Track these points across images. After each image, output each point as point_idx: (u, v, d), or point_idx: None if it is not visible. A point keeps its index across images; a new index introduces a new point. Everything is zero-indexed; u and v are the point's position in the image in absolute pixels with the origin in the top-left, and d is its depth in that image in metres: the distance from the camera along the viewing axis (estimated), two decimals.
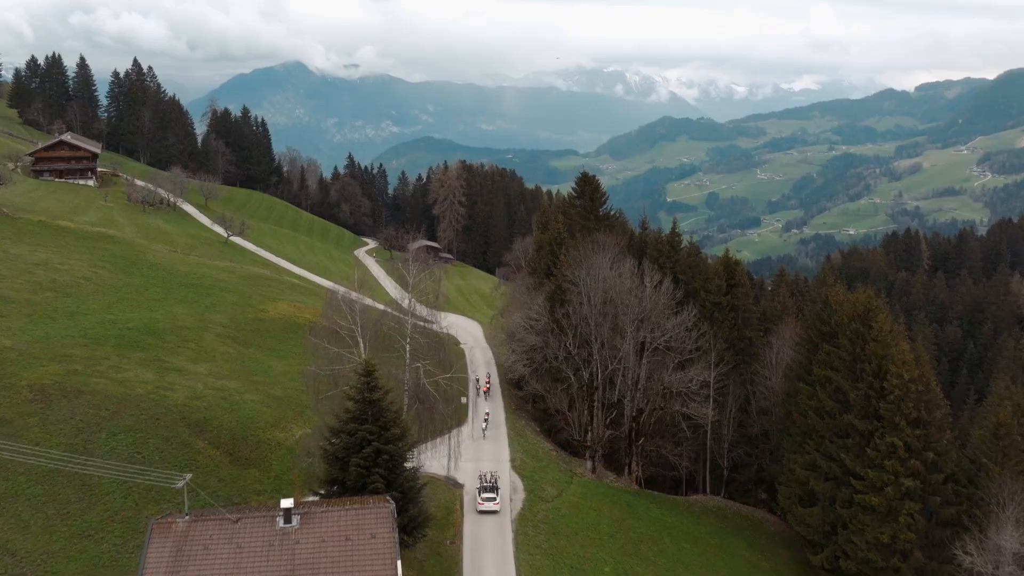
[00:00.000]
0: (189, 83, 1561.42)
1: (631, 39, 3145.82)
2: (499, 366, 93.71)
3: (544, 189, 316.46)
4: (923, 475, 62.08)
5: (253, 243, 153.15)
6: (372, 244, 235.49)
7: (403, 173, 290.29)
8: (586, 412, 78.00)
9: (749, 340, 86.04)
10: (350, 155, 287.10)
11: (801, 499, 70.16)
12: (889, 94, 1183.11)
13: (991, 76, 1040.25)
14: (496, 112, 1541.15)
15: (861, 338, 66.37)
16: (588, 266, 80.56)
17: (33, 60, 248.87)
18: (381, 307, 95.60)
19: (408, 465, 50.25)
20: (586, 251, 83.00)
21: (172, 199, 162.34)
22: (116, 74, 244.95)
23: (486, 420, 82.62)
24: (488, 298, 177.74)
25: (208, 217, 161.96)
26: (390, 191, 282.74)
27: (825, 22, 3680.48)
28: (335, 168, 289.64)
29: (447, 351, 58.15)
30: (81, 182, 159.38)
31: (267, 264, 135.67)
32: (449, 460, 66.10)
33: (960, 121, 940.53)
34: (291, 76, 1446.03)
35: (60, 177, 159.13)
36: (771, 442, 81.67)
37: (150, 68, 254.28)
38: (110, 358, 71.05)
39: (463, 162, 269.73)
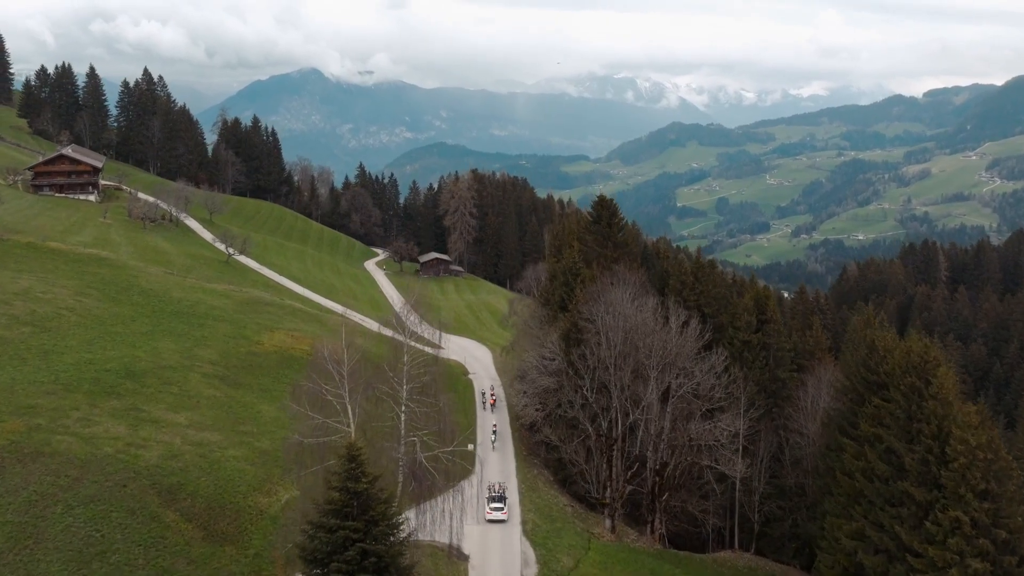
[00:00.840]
0: (208, 90, 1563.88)
1: (641, 46, 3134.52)
2: (510, 407, 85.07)
3: (556, 198, 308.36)
4: (993, 556, 53.17)
5: (256, 261, 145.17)
6: (382, 255, 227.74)
7: (414, 182, 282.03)
8: (605, 466, 69.31)
9: (782, 382, 77.22)
10: (361, 164, 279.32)
11: (846, 571, 61.28)
12: (897, 100, 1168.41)
13: (999, 82, 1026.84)
14: (508, 118, 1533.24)
15: (918, 394, 57.47)
16: (606, 301, 72.00)
17: (43, 69, 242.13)
18: (389, 332, 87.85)
19: (403, 562, 41.69)
20: (604, 285, 74.41)
21: (175, 213, 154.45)
22: (126, 83, 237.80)
23: (495, 432, 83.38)
24: (499, 314, 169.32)
25: (211, 232, 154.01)
26: (401, 200, 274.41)
27: (833, 28, 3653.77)
28: (346, 178, 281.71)
29: (448, 419, 49.63)
30: (82, 197, 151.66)
31: (268, 285, 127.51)
32: (451, 534, 57.09)
33: (968, 127, 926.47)
34: (307, 82, 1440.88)
35: (60, 192, 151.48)
36: (807, 496, 72.80)
37: (160, 77, 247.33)
38: (80, 408, 62.91)
39: (475, 171, 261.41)
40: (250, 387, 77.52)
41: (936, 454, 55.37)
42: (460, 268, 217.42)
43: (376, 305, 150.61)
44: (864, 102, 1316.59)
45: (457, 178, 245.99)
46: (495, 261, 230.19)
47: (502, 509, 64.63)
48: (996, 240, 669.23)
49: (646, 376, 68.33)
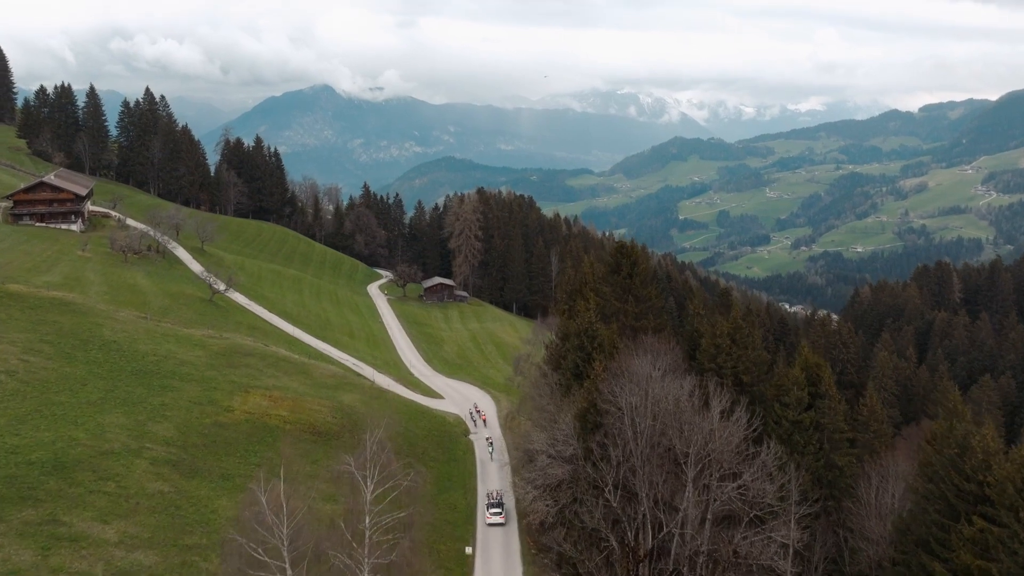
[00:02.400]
0: (224, 106, 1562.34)
1: (644, 62, 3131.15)
2: (516, 500, 70.05)
3: (562, 216, 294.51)
4: None
5: (245, 295, 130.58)
6: (387, 277, 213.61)
7: (419, 202, 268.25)
8: None
9: (839, 470, 62.31)
10: (365, 184, 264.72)
11: None
12: (894, 115, 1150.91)
13: (993, 97, 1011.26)
14: (514, 133, 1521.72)
15: None
16: (631, 377, 57.34)
17: (42, 89, 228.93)
18: (384, 381, 73.53)
19: None
20: (627, 356, 59.73)
21: (163, 242, 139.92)
22: (126, 103, 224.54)
23: (491, 445, 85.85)
24: (505, 347, 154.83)
25: (201, 263, 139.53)
26: (407, 220, 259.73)
27: (831, 45, 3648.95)
28: (350, 197, 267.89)
29: None
30: (64, 227, 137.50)
31: (254, 327, 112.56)
32: None
33: (964, 141, 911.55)
34: (319, 99, 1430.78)
35: (41, 221, 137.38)
36: None
37: (162, 97, 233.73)
38: None
39: (480, 190, 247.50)
40: (208, 474, 62.86)
41: None
42: (465, 293, 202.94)
43: (374, 341, 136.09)
44: (861, 117, 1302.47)
45: (462, 199, 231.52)
46: (501, 285, 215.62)
47: (500, 514, 68.24)
48: (992, 251, 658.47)
49: (681, 475, 53.62)
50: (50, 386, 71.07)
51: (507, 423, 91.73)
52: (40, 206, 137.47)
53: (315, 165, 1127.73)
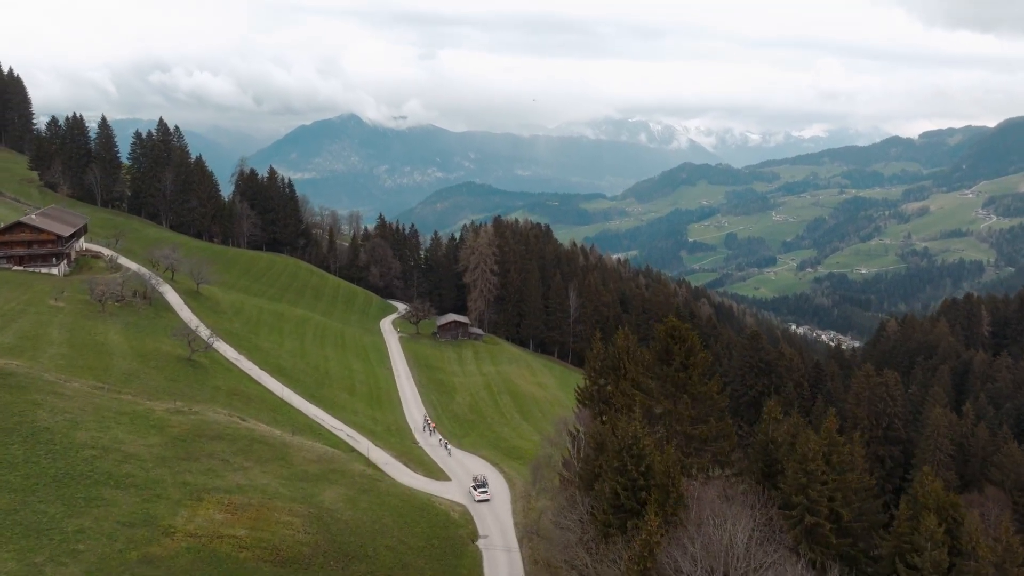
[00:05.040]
0: (258, 134, 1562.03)
1: (654, 92, 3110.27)
2: None
3: (578, 244, 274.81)
4: None
5: (236, 347, 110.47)
6: (401, 310, 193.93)
7: (435, 233, 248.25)
8: None
9: None
10: (381, 215, 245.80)
11: None
12: (894, 141, 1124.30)
13: (992, 124, 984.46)
14: (531, 159, 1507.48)
15: None
16: (701, 537, 36.78)
17: (54, 120, 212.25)
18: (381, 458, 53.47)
19: None
20: (698, 505, 39.07)
21: (154, 285, 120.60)
22: (138, 134, 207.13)
23: (447, 447, 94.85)
24: (521, 398, 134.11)
25: (191, 309, 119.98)
26: (423, 251, 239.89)
27: (833, 74, 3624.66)
28: (365, 228, 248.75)
29: None
30: (44, 270, 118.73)
31: (235, 392, 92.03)
32: None
33: (963, 166, 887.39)
34: (347, 127, 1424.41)
35: (20, 264, 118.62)
36: None
37: (176, 128, 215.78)
38: None
39: (497, 220, 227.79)
40: None
41: None
42: (480, 331, 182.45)
43: (376, 398, 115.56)
44: (862, 143, 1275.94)
45: (477, 232, 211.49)
46: (517, 321, 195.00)
47: (486, 491, 77.85)
48: (994, 273, 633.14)
49: None
50: None
51: (527, 531, 69.91)
52: (19, 248, 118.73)
53: (343, 190, 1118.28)
